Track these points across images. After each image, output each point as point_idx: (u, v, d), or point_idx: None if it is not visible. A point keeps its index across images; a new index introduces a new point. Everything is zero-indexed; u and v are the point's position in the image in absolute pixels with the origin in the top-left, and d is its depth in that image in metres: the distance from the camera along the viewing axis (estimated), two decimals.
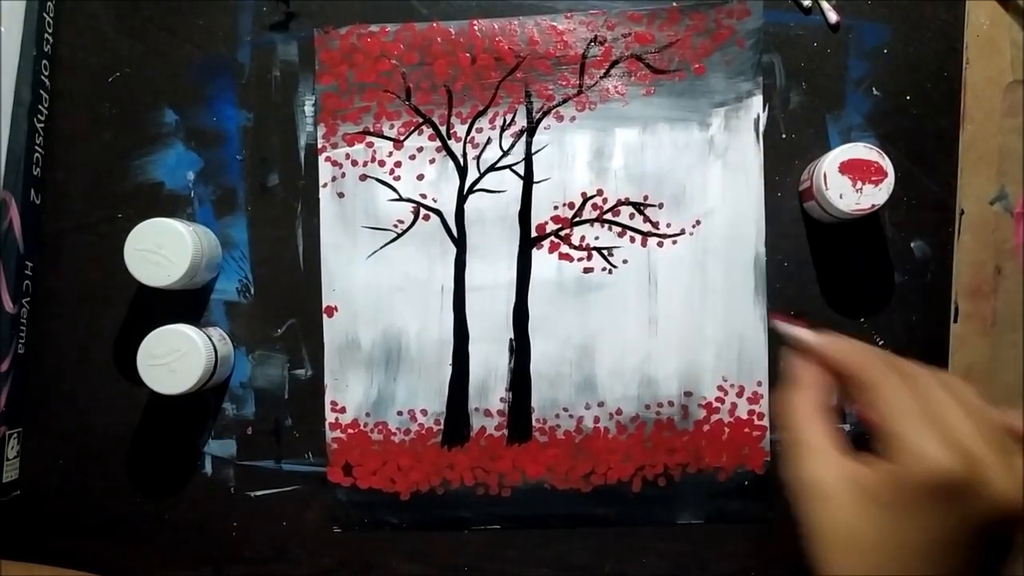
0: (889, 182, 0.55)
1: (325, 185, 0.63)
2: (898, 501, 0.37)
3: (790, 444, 0.42)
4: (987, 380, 0.60)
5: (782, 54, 0.61)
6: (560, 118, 0.62)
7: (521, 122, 0.62)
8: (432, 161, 0.63)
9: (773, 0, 0.61)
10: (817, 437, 0.41)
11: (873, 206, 0.55)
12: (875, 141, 0.60)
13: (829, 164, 0.55)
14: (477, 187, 0.62)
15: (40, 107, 0.63)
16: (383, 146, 0.63)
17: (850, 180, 0.55)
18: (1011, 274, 0.60)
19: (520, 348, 0.62)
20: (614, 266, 0.62)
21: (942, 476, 0.36)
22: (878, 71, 0.61)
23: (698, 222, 0.61)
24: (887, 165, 0.55)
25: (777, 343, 0.61)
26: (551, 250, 0.62)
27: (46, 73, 0.63)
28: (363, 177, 0.63)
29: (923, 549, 0.37)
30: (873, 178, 0.55)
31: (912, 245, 0.61)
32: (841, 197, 0.55)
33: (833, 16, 0.61)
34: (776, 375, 0.61)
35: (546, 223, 0.62)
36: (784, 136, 0.61)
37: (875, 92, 0.61)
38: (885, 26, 0.61)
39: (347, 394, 0.63)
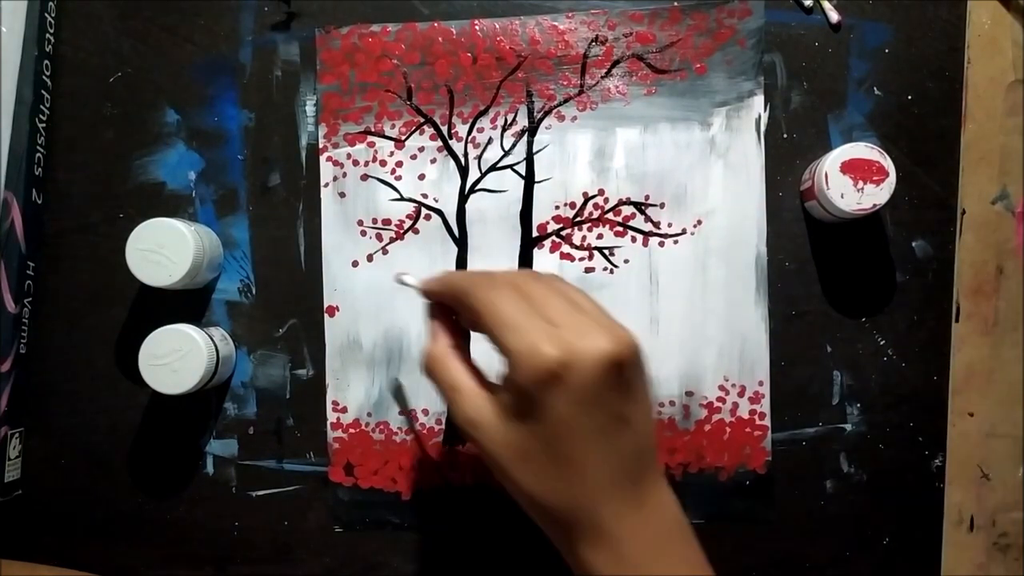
0: (890, 182, 0.55)
1: (326, 185, 0.63)
2: (522, 403, 0.41)
3: (443, 394, 0.46)
4: (988, 379, 0.60)
5: (783, 54, 0.61)
6: (561, 118, 0.62)
7: (522, 122, 0.62)
8: (433, 161, 0.63)
9: (774, 0, 0.61)
10: (456, 378, 0.46)
11: (874, 206, 0.55)
12: (876, 141, 0.60)
13: (830, 164, 0.55)
14: (478, 187, 0.62)
15: (42, 107, 0.63)
16: (384, 146, 0.63)
17: (851, 180, 0.55)
18: (1013, 274, 0.60)
19: None
20: (615, 266, 0.62)
21: (547, 365, 0.40)
22: (879, 71, 0.61)
23: (699, 222, 0.61)
24: (888, 165, 0.55)
25: (778, 343, 0.61)
26: (552, 250, 0.62)
27: (48, 73, 0.63)
28: (364, 177, 0.63)
29: (560, 432, 0.41)
30: (874, 178, 0.55)
31: (913, 245, 0.61)
32: (842, 197, 0.55)
33: (834, 16, 0.61)
34: (776, 372, 0.61)
35: (547, 223, 0.62)
36: (785, 136, 0.61)
37: (876, 92, 0.61)
38: (886, 26, 0.61)
39: (348, 394, 0.63)
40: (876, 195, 0.55)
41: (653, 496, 0.44)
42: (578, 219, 0.62)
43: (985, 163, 0.60)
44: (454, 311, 0.48)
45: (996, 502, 0.60)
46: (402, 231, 0.63)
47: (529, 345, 0.40)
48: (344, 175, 0.63)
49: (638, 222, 0.62)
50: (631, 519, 0.43)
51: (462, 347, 0.48)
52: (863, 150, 0.55)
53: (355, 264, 0.63)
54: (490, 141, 0.62)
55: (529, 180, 0.62)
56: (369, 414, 0.63)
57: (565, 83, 0.62)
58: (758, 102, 0.61)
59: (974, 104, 0.60)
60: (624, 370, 0.41)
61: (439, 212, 0.63)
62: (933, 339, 0.61)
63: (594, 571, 0.43)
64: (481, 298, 0.43)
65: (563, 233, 0.62)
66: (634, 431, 0.43)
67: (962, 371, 0.60)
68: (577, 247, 0.62)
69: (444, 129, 0.62)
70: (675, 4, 0.61)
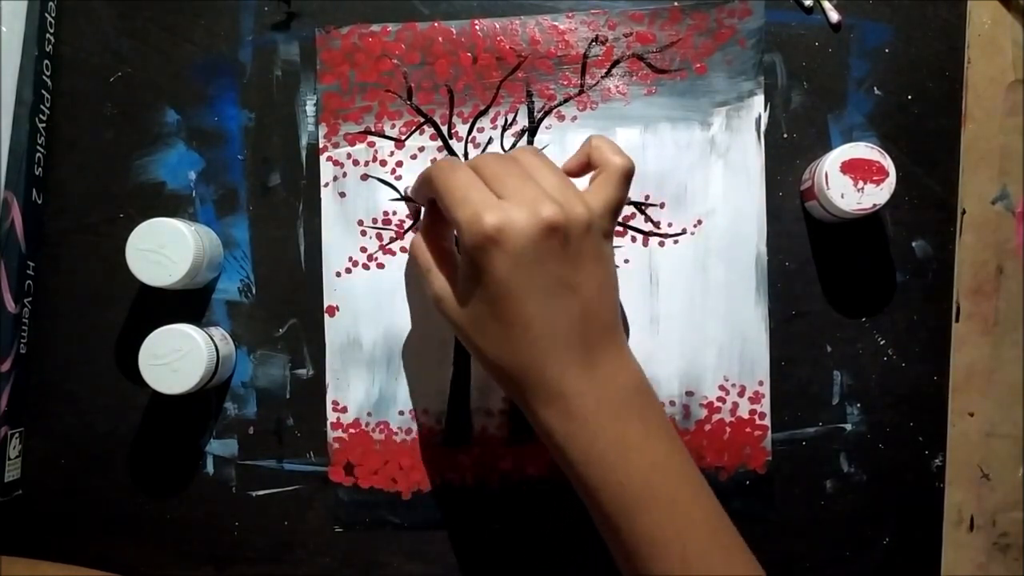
0: (890, 182, 0.55)
1: (326, 185, 0.63)
2: (470, 269, 0.46)
3: (420, 276, 0.52)
4: (988, 379, 0.60)
5: (783, 54, 0.61)
6: (561, 118, 0.62)
7: (522, 122, 0.62)
8: (433, 161, 0.63)
9: (774, 0, 0.61)
10: (428, 260, 0.52)
11: (874, 206, 0.55)
12: (876, 141, 0.60)
13: (830, 164, 0.55)
14: None
15: (42, 107, 0.63)
16: (384, 146, 0.63)
17: (851, 180, 0.55)
18: (1013, 274, 0.60)
19: None
20: (616, 266, 0.62)
21: (480, 231, 0.44)
22: (879, 70, 0.61)
23: (699, 222, 0.61)
24: (888, 165, 0.55)
25: (778, 343, 0.61)
26: None
27: (48, 73, 0.63)
28: (364, 177, 0.63)
29: (512, 289, 0.45)
30: (874, 178, 0.55)
31: (913, 244, 0.61)
32: (842, 197, 0.55)
33: (834, 15, 0.61)
34: (776, 372, 0.61)
35: None
36: (785, 136, 0.61)
37: (876, 91, 0.61)
38: (887, 25, 0.61)
39: (348, 394, 0.63)
40: (876, 195, 0.55)
41: (607, 361, 0.47)
42: None
43: (985, 163, 0.60)
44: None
45: (996, 502, 0.60)
46: (402, 231, 0.63)
47: (471, 214, 0.44)
48: (344, 175, 0.63)
49: (638, 222, 0.62)
50: (580, 379, 0.46)
51: (443, 235, 0.53)
52: (863, 150, 0.55)
53: (355, 264, 0.63)
54: (490, 141, 0.62)
55: None
56: (369, 414, 0.63)
57: (565, 83, 0.62)
58: (758, 102, 0.61)
59: (974, 104, 0.60)
60: (565, 236, 0.45)
61: None
62: (933, 339, 0.61)
63: (547, 426, 0.47)
64: (440, 178, 0.47)
65: None
66: (581, 296, 0.46)
67: (962, 371, 0.60)
68: None
69: (444, 129, 0.62)
70: (675, 4, 0.61)
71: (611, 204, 0.49)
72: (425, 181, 0.50)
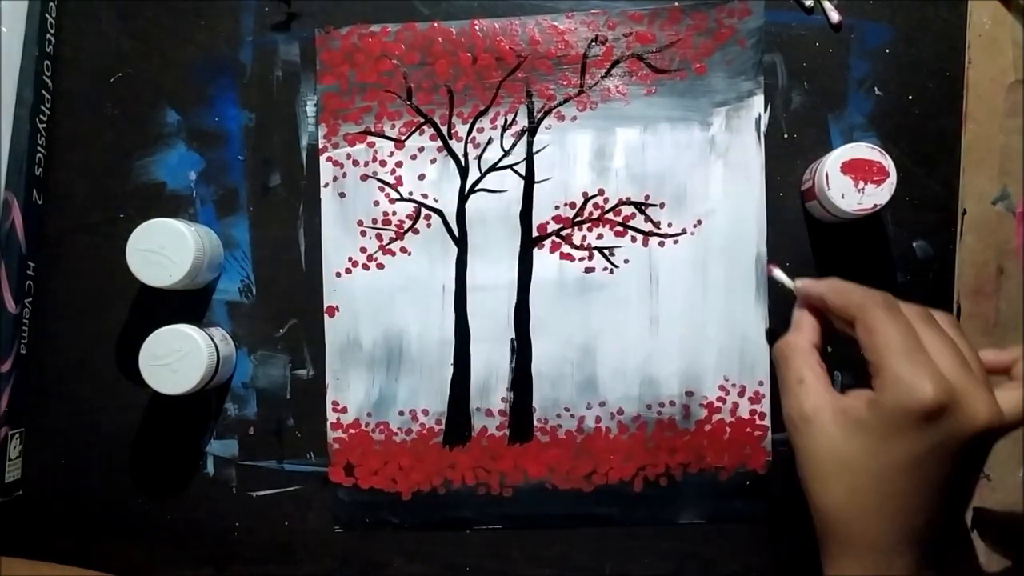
0: (891, 182, 0.55)
1: (326, 185, 0.63)
2: (883, 426, 0.42)
3: (786, 382, 0.47)
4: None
5: (784, 54, 0.61)
6: (561, 118, 0.62)
7: (522, 122, 0.62)
8: (433, 161, 0.63)
9: (775, 0, 0.61)
10: (806, 372, 0.46)
11: (875, 206, 0.55)
12: (877, 141, 0.60)
13: (831, 164, 0.55)
14: (478, 187, 0.62)
15: (42, 107, 0.63)
16: (384, 146, 0.63)
17: (852, 180, 0.55)
18: (1013, 274, 0.60)
19: (521, 348, 0.62)
20: (615, 266, 0.62)
21: (926, 403, 0.40)
22: (880, 71, 0.61)
23: (699, 222, 0.61)
24: (889, 165, 0.55)
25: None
26: (552, 250, 0.62)
27: (48, 73, 0.63)
28: (364, 177, 0.63)
29: (906, 467, 0.41)
30: (875, 178, 0.55)
31: (914, 245, 0.61)
32: (843, 197, 0.55)
33: (835, 16, 0.61)
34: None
35: (547, 223, 0.62)
36: (786, 136, 0.61)
37: (877, 92, 0.61)
38: (887, 26, 0.61)
39: (348, 394, 0.63)
40: (877, 195, 0.55)
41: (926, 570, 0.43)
42: (578, 219, 0.62)
43: (986, 163, 0.60)
44: (825, 313, 0.48)
45: (996, 502, 0.60)
46: (402, 231, 0.63)
47: (913, 375, 0.41)
48: (344, 175, 0.63)
49: (638, 222, 0.62)
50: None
51: (818, 347, 0.48)
52: (864, 150, 0.55)
53: (355, 264, 0.63)
54: (490, 141, 0.62)
55: (529, 180, 0.62)
56: (369, 414, 0.63)
57: (565, 83, 0.62)
58: (758, 102, 0.61)
59: (975, 104, 0.60)
60: (983, 442, 0.41)
61: (439, 212, 0.63)
62: None
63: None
64: (879, 316, 0.43)
65: (563, 233, 0.62)
66: (958, 505, 0.43)
67: None
68: (577, 247, 0.62)
69: (444, 129, 0.62)
70: (675, 4, 0.61)
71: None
72: (851, 307, 0.45)
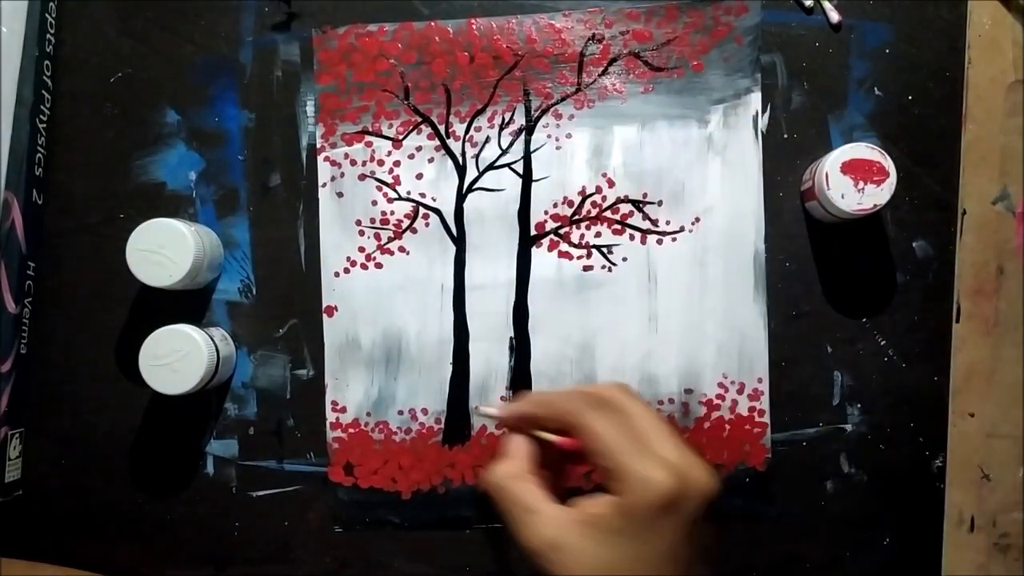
0: (891, 182, 0.55)
1: (324, 185, 0.63)
2: (634, 526, 0.41)
3: (514, 515, 0.44)
4: (989, 380, 0.60)
5: (784, 54, 0.61)
6: (559, 116, 0.62)
7: (520, 120, 0.62)
8: (431, 160, 0.63)
9: (774, 0, 0.61)
10: (531, 500, 0.44)
11: (875, 206, 0.55)
12: (877, 141, 0.60)
13: (831, 164, 0.55)
14: (476, 186, 0.62)
15: (42, 107, 0.63)
16: (382, 145, 0.63)
17: (852, 180, 0.55)
18: (1013, 274, 0.60)
19: (520, 346, 0.62)
20: (614, 264, 0.62)
21: (666, 493, 0.40)
22: (880, 71, 0.61)
23: (697, 219, 0.61)
24: (889, 165, 0.55)
25: (778, 340, 0.61)
26: (550, 248, 0.62)
27: (48, 73, 0.64)
28: (362, 177, 0.63)
29: (666, 557, 0.41)
30: (875, 178, 0.55)
31: (914, 245, 0.61)
32: (843, 197, 0.55)
33: (835, 16, 0.60)
34: (777, 372, 0.61)
35: (545, 221, 0.62)
36: (786, 136, 0.61)
37: (877, 92, 0.61)
38: (887, 26, 0.61)
39: (348, 394, 0.63)
40: (877, 195, 0.55)
41: None
42: (576, 217, 0.62)
43: (985, 163, 0.60)
44: (543, 426, 0.47)
45: (997, 502, 0.60)
46: (400, 230, 0.63)
47: (647, 469, 0.41)
48: (342, 175, 0.63)
49: (636, 220, 0.62)
50: None
51: (533, 470, 0.47)
52: (864, 150, 0.55)
53: (353, 264, 0.63)
54: (487, 140, 0.62)
55: (527, 179, 0.62)
56: (368, 414, 0.63)
57: (562, 81, 0.62)
58: (755, 99, 0.61)
59: (975, 104, 0.60)
60: (709, 507, 0.42)
61: (437, 211, 0.63)
62: (933, 339, 0.61)
63: None
64: (593, 419, 0.43)
65: (561, 231, 0.62)
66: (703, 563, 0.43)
67: (963, 371, 0.60)
68: (575, 245, 0.62)
69: (441, 128, 0.62)
70: (672, 1, 0.61)
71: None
72: (561, 416, 0.45)
